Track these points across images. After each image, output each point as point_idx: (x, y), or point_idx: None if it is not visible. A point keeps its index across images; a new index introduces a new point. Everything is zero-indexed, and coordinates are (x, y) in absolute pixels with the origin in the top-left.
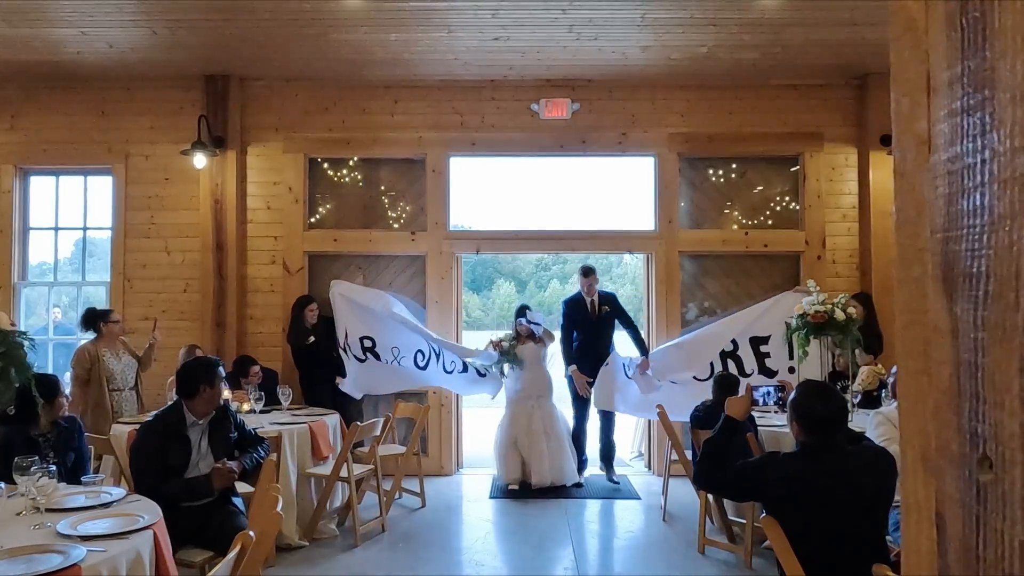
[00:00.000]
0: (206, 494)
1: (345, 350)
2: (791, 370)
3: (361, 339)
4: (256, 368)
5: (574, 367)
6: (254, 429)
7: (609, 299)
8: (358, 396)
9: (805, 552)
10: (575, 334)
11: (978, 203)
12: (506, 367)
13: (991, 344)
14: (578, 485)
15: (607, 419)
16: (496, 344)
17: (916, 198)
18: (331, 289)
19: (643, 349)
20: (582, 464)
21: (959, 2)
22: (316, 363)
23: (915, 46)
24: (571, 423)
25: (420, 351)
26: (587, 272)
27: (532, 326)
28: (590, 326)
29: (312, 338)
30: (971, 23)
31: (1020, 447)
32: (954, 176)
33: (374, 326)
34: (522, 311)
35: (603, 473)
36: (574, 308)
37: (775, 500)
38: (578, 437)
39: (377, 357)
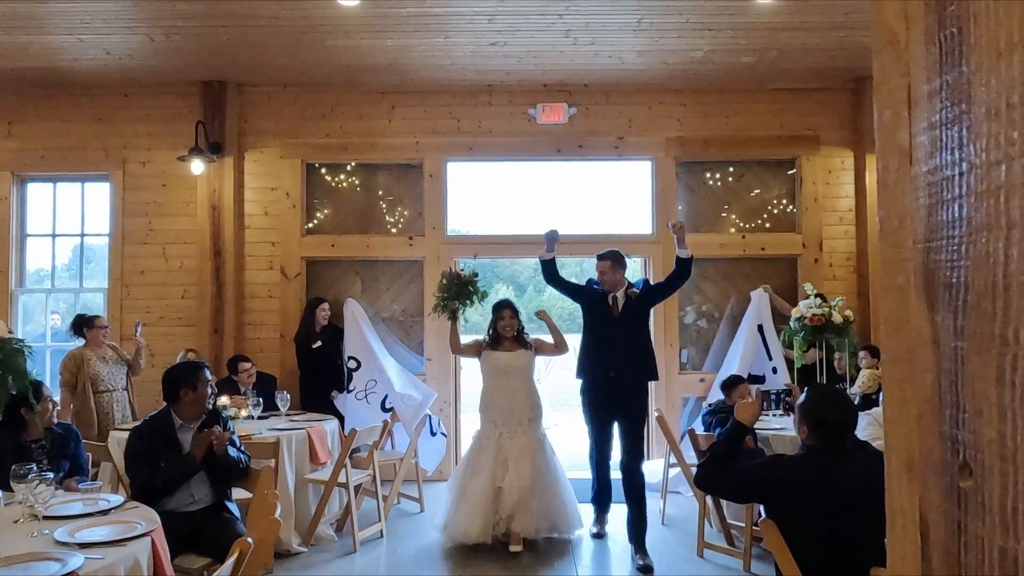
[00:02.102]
0: (192, 464)
1: (345, 364)
2: (774, 370)
3: (350, 357)
4: (247, 365)
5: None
6: (242, 446)
7: (642, 293)
8: (347, 415)
9: (806, 555)
10: (585, 327)
11: (957, 214)
12: (461, 308)
13: (970, 353)
14: (599, 536)
15: (634, 475)
16: (450, 274)
17: (899, 208)
18: (346, 305)
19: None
20: (605, 501)
21: (937, 18)
22: (318, 369)
23: (896, 60)
24: (590, 448)
25: (387, 395)
26: (601, 256)
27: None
28: (606, 325)
29: (319, 342)
30: (948, 39)
31: (998, 455)
32: (934, 187)
33: (364, 351)
34: (504, 307)
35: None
36: (592, 294)
37: (778, 502)
38: (602, 464)
39: (350, 380)
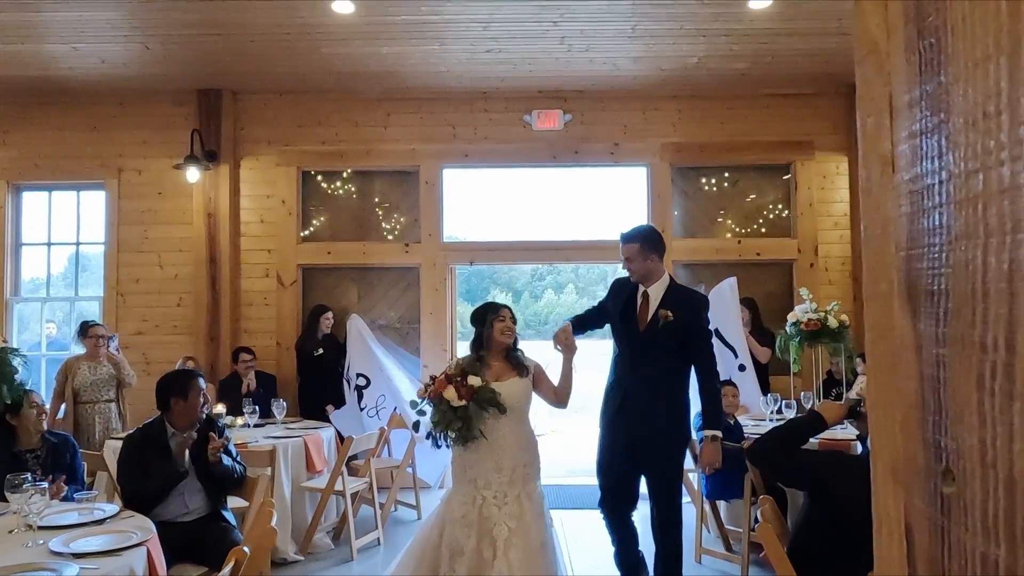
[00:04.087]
0: (177, 470)
1: (347, 381)
2: (741, 368)
3: (358, 375)
4: (248, 356)
5: (568, 324)
6: (238, 456)
7: (686, 304)
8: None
9: (840, 559)
10: (613, 341)
11: (937, 222)
12: (478, 425)
13: (951, 360)
14: None
15: (670, 506)
16: (458, 384)
17: (882, 216)
18: (349, 320)
19: (713, 417)
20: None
21: (916, 29)
22: (318, 377)
23: (878, 69)
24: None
25: (397, 407)
26: (627, 237)
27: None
28: (632, 340)
29: (321, 350)
30: (927, 49)
31: (979, 461)
32: (915, 195)
33: (373, 367)
34: (502, 307)
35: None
36: (618, 296)
37: (828, 496)
38: (626, 546)
39: (361, 398)
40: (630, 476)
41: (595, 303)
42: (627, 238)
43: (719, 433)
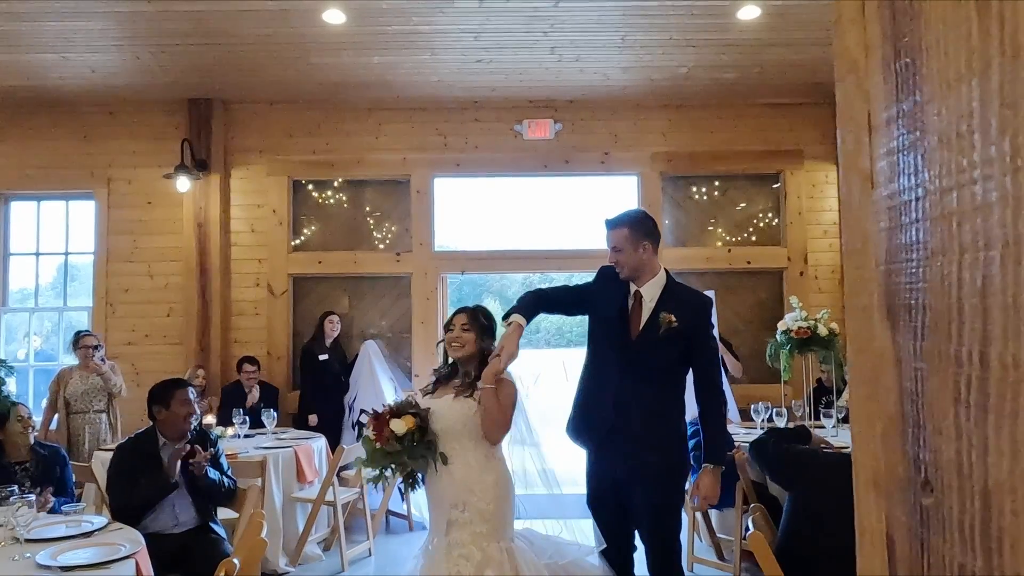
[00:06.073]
0: (168, 481)
1: (349, 408)
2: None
3: (361, 411)
4: (251, 368)
5: (517, 320)
6: (229, 469)
7: (689, 306)
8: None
9: (825, 552)
10: (588, 352)
11: (914, 238)
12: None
13: (929, 374)
14: None
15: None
16: (383, 425)
17: (861, 231)
18: (364, 345)
19: (718, 448)
20: None
21: (892, 48)
22: (319, 384)
23: (858, 87)
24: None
25: None
26: (613, 223)
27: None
28: (624, 350)
29: (326, 356)
30: (903, 68)
31: (956, 472)
32: (893, 211)
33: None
34: (456, 313)
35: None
36: (607, 290)
37: (805, 488)
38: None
39: (360, 436)
40: (626, 515)
41: (559, 288)
42: (614, 223)
43: (723, 466)
